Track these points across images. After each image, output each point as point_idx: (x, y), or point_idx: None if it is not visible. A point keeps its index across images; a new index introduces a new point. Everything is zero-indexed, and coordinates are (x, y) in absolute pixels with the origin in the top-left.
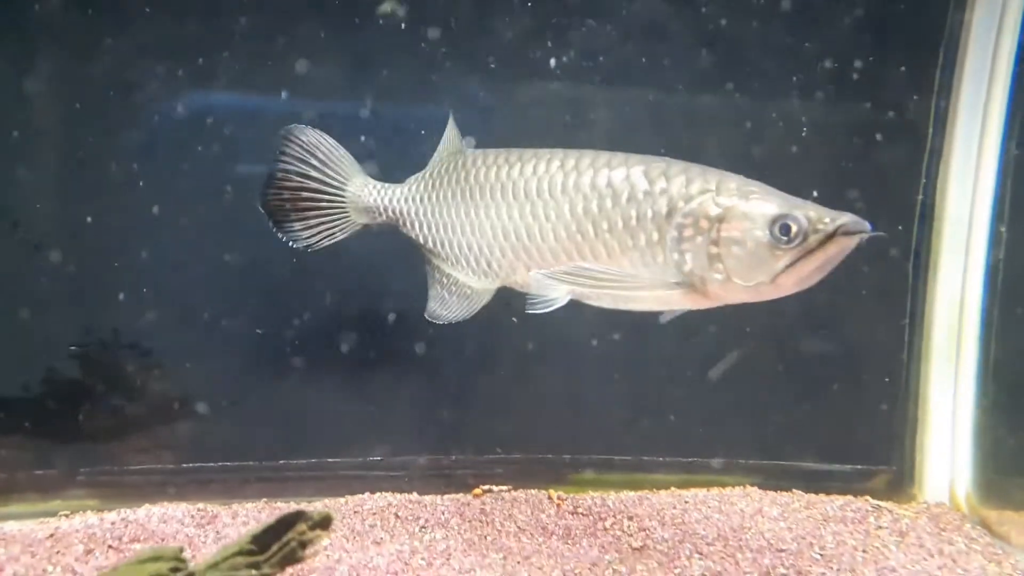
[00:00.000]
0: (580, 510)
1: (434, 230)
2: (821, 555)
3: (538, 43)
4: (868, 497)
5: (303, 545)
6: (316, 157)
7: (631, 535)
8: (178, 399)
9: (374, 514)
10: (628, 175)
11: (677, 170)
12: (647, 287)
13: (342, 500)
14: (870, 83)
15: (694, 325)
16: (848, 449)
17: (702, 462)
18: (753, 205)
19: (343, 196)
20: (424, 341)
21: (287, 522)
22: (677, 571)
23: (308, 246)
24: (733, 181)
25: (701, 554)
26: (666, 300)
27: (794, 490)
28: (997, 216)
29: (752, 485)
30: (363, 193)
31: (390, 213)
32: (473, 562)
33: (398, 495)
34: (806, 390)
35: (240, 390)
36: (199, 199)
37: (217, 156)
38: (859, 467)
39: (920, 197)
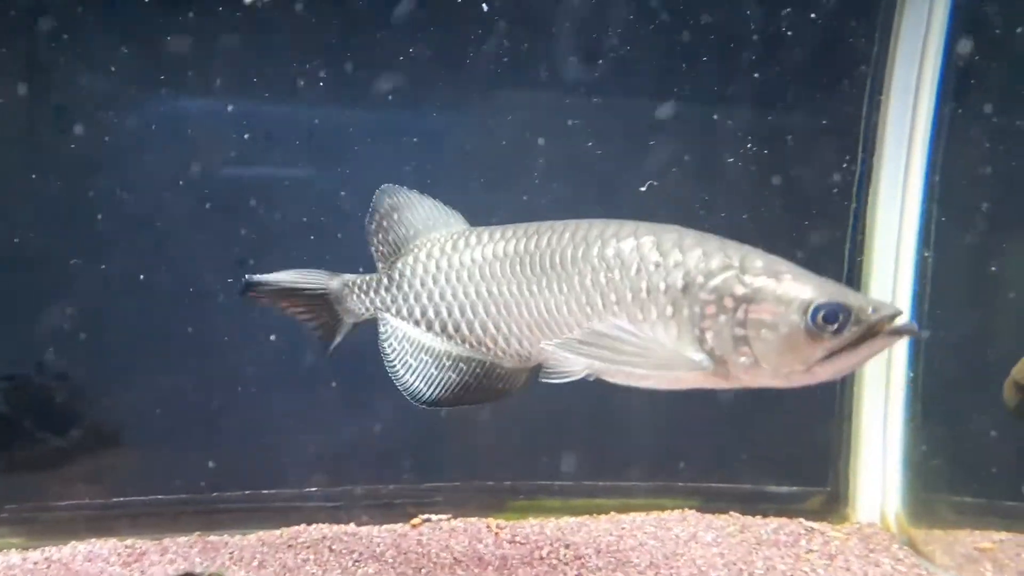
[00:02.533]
0: (518, 539)
1: (447, 313)
2: None
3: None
4: (802, 519)
5: None
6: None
7: (567, 564)
8: (108, 431)
9: (308, 547)
10: (638, 245)
11: (691, 242)
12: (667, 364)
13: (277, 532)
14: (797, 110)
15: None
16: (784, 470)
17: (642, 486)
18: (788, 287)
19: (328, 303)
20: (363, 368)
21: None
22: None
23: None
24: (758, 258)
25: None
26: (685, 380)
27: (731, 512)
28: (923, 243)
29: (690, 508)
30: (345, 295)
31: (378, 304)
32: None
33: (335, 527)
34: (743, 412)
35: (172, 421)
36: (134, 228)
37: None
38: (795, 488)
39: (850, 225)
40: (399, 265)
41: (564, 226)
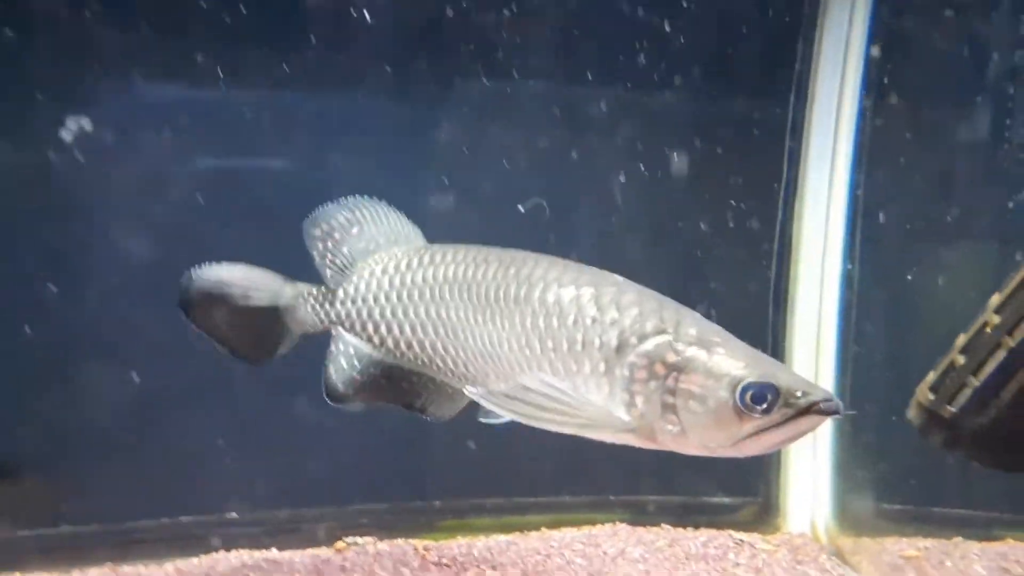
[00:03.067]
0: (444, 560)
1: (398, 331)
2: None
3: None
4: (731, 532)
5: None
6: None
7: None
8: (10, 461)
9: None
10: (577, 296)
11: (629, 299)
12: (593, 424)
13: (195, 561)
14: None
15: None
16: (717, 481)
17: (574, 500)
18: (719, 361)
19: (276, 313)
20: (282, 390)
21: None
22: None
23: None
24: (692, 325)
25: None
26: (612, 438)
27: (663, 525)
28: (848, 256)
29: (622, 521)
30: (299, 305)
31: (332, 318)
32: None
33: (255, 553)
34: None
35: (82, 447)
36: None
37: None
38: (727, 499)
39: (776, 233)
40: (356, 280)
41: (512, 259)
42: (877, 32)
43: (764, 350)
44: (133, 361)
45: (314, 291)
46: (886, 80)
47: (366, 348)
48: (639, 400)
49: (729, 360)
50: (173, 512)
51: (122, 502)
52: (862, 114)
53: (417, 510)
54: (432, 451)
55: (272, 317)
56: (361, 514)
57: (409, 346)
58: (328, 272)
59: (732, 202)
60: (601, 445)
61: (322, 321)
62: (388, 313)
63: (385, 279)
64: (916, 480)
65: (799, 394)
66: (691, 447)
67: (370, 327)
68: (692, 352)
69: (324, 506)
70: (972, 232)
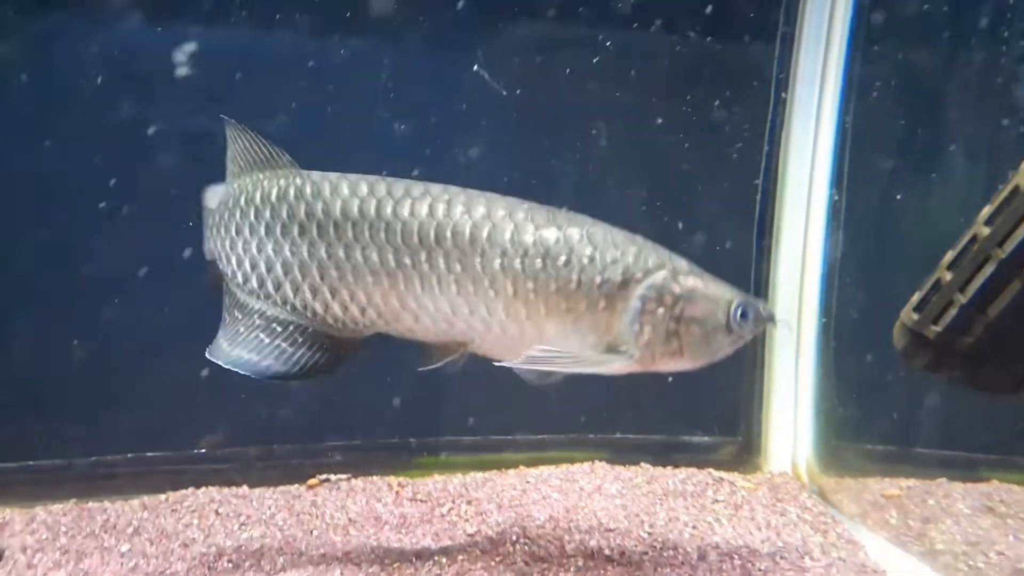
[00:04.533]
0: (419, 496)
1: (275, 270)
2: (649, 533)
3: None
4: (712, 469)
5: None
6: None
7: (467, 520)
8: None
9: (193, 511)
10: (564, 236)
11: (621, 238)
12: (599, 364)
13: (162, 497)
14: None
15: None
16: (696, 420)
17: (552, 439)
18: (713, 289)
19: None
20: None
21: None
22: (499, 558)
23: None
24: (680, 260)
25: (528, 538)
26: (612, 372)
27: (642, 464)
28: (834, 186)
29: (600, 460)
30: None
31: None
32: (286, 561)
33: (224, 489)
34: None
35: (49, 381)
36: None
37: None
38: (707, 439)
39: (758, 182)
40: (223, 208)
41: (442, 195)
42: None
43: (748, 285)
44: (104, 297)
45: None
46: (876, 8)
47: (240, 293)
48: (647, 330)
49: (719, 287)
50: (140, 448)
51: (89, 437)
52: (851, 42)
53: (392, 447)
54: (407, 388)
55: None
56: (334, 451)
57: (279, 286)
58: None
59: (719, 135)
60: (579, 384)
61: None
62: (255, 248)
63: (253, 209)
64: (900, 420)
65: (763, 309)
66: (682, 366)
67: (234, 259)
68: (692, 282)
69: (296, 443)
70: (961, 158)
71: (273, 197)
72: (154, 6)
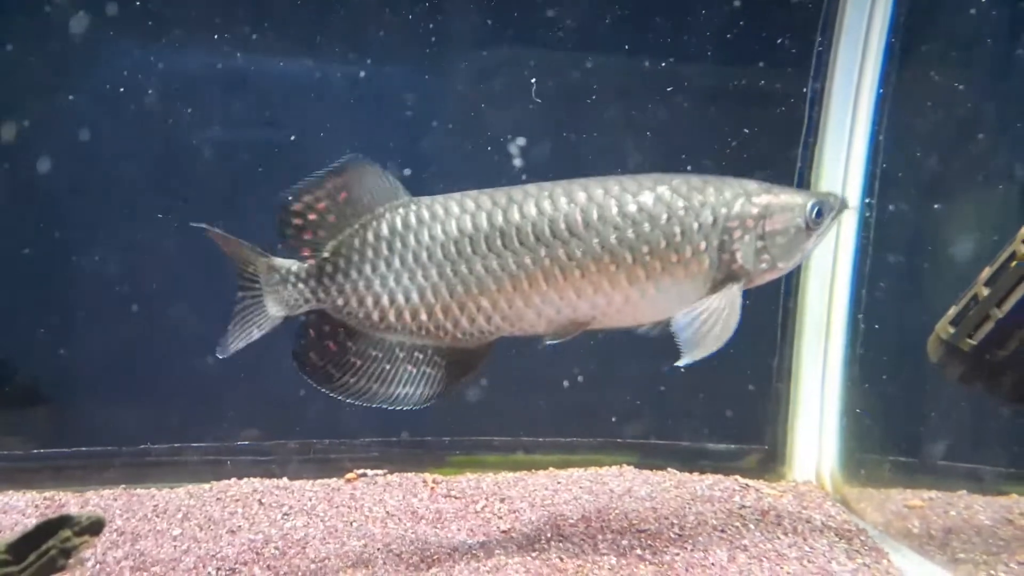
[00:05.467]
0: (454, 493)
1: (408, 299)
2: (679, 535)
3: None
4: (738, 476)
5: (66, 553)
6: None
7: (501, 518)
8: (29, 383)
9: (237, 500)
10: (657, 196)
11: (698, 183)
12: (730, 302)
13: (206, 486)
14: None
15: None
16: (723, 428)
17: (581, 442)
18: (784, 199)
19: (254, 289)
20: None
21: (48, 529)
22: (535, 554)
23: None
24: (749, 182)
25: (562, 536)
26: (734, 302)
27: (669, 469)
28: (866, 198)
29: (628, 464)
30: (278, 284)
31: (321, 296)
32: (330, 550)
33: (266, 481)
34: (685, 371)
35: (100, 372)
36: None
37: None
38: (733, 446)
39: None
40: (344, 249)
41: (541, 193)
42: None
43: (775, 306)
44: (154, 295)
45: (295, 267)
46: (912, 24)
47: (361, 328)
48: (739, 255)
49: (789, 195)
50: (187, 438)
51: (138, 426)
52: (887, 58)
53: (426, 445)
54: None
55: (247, 293)
56: (372, 447)
57: (415, 315)
58: (305, 248)
59: (750, 148)
60: (607, 390)
61: (306, 301)
62: (392, 281)
63: (383, 243)
64: (923, 433)
65: (834, 200)
66: (775, 275)
67: (369, 300)
68: (765, 199)
69: (335, 438)
70: (993, 179)
71: (394, 230)
72: None
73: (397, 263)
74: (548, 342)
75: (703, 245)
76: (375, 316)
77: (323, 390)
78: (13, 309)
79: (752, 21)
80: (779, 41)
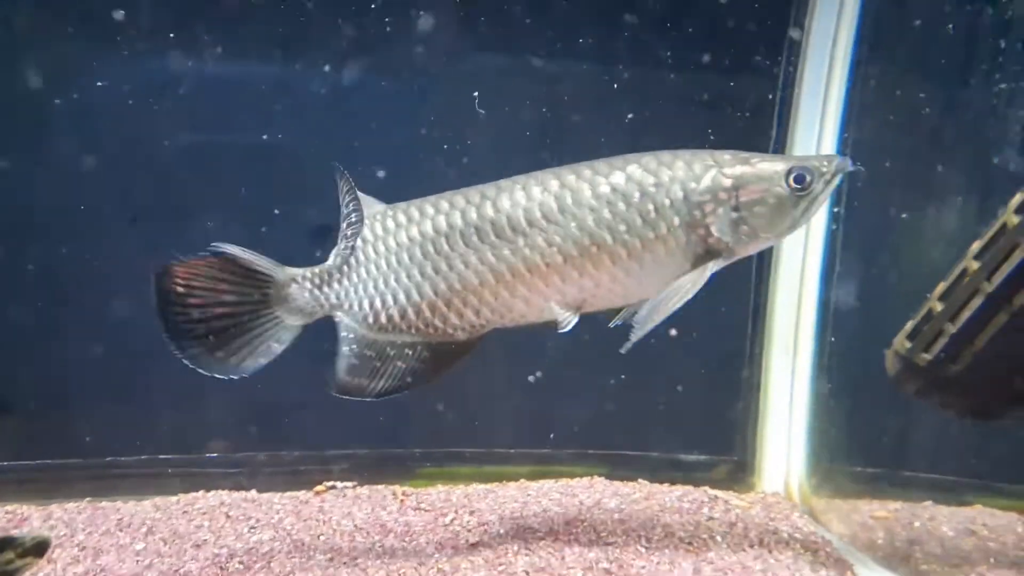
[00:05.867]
0: (424, 506)
1: (395, 300)
2: (646, 548)
3: None
4: (707, 488)
5: (9, 575)
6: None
7: (469, 531)
8: None
9: (204, 514)
10: (627, 176)
11: (669, 159)
12: (697, 283)
13: (174, 499)
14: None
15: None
16: (693, 440)
17: (553, 453)
18: (761, 167)
19: (266, 301)
20: None
21: None
22: (501, 568)
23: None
24: (724, 153)
25: (529, 550)
26: (703, 279)
27: (640, 480)
28: (832, 217)
29: (600, 475)
30: (293, 292)
31: (333, 300)
32: (295, 564)
33: (234, 493)
34: (654, 381)
35: (66, 383)
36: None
37: None
38: (702, 457)
39: None
40: (351, 253)
41: (514, 186)
42: None
43: (745, 319)
44: (120, 304)
45: (308, 273)
46: (878, 33)
47: (362, 330)
48: (713, 228)
49: (766, 163)
50: (153, 450)
51: (103, 438)
52: (854, 67)
53: (396, 457)
54: (412, 400)
55: (255, 307)
56: (341, 459)
57: (404, 314)
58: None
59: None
60: (579, 401)
61: (322, 306)
62: (382, 283)
63: (370, 246)
64: (889, 444)
65: (824, 165)
66: (763, 244)
67: (366, 303)
68: (739, 170)
69: (304, 451)
70: (955, 188)
71: (377, 236)
72: None
73: (383, 266)
74: (560, 331)
75: (676, 220)
76: (370, 319)
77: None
78: None
79: (721, 27)
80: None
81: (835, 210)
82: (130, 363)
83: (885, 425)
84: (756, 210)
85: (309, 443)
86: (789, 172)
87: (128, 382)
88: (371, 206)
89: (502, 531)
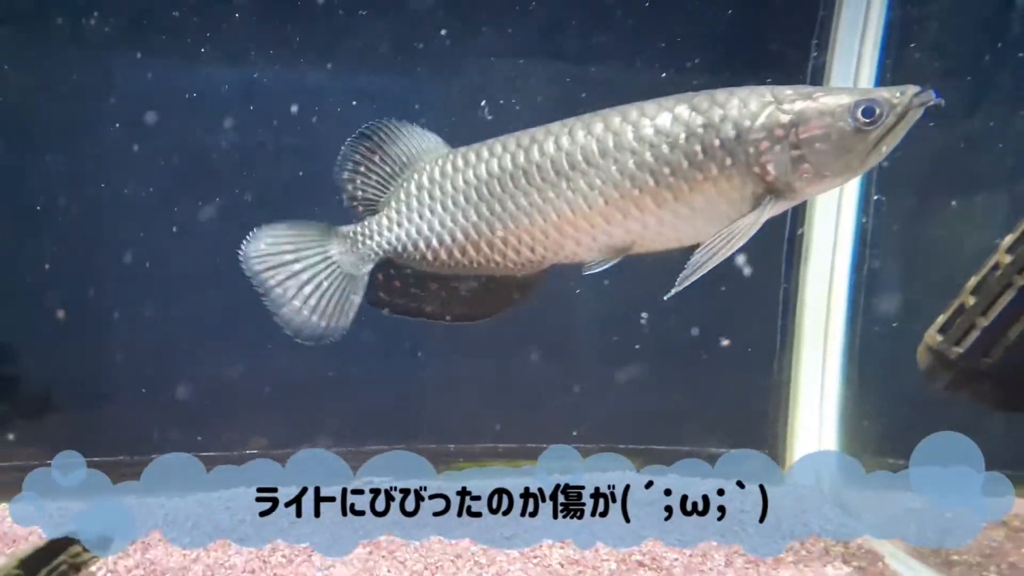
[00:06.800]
0: None
1: (451, 239)
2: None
3: None
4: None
5: (76, 568)
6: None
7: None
8: (35, 392)
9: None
10: (675, 116)
11: (723, 97)
12: (749, 226)
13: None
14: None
15: (576, 311)
16: (724, 432)
17: (585, 447)
18: (824, 101)
19: (332, 262)
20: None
21: (59, 545)
22: (535, 559)
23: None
24: (784, 88)
25: (562, 542)
26: (758, 222)
27: (668, 475)
28: (862, 210)
29: (628, 470)
30: (348, 246)
31: (390, 243)
32: (335, 558)
33: None
34: (684, 375)
35: (103, 381)
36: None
37: None
38: (733, 451)
39: None
40: (396, 200)
41: (562, 129)
42: None
43: (775, 313)
44: (164, 301)
45: (359, 228)
46: (905, 37)
47: (421, 268)
48: (772, 168)
49: (830, 97)
50: (194, 448)
51: (149, 437)
52: (881, 70)
53: (430, 453)
54: (446, 396)
55: (325, 268)
56: (376, 455)
57: (464, 251)
58: (362, 207)
59: None
60: (609, 396)
61: (376, 254)
62: (438, 224)
63: (428, 190)
64: (921, 436)
65: (899, 95)
66: (829, 184)
67: (422, 244)
68: (799, 105)
69: (341, 447)
70: (984, 190)
71: (432, 179)
72: None
73: (440, 208)
74: (585, 271)
75: (728, 161)
76: (430, 256)
77: (395, 315)
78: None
79: (747, 26)
80: (773, 47)
81: (874, 198)
82: (172, 361)
83: (916, 416)
84: (818, 147)
85: (346, 440)
86: (856, 106)
87: (172, 379)
88: (438, 149)
89: (536, 524)
